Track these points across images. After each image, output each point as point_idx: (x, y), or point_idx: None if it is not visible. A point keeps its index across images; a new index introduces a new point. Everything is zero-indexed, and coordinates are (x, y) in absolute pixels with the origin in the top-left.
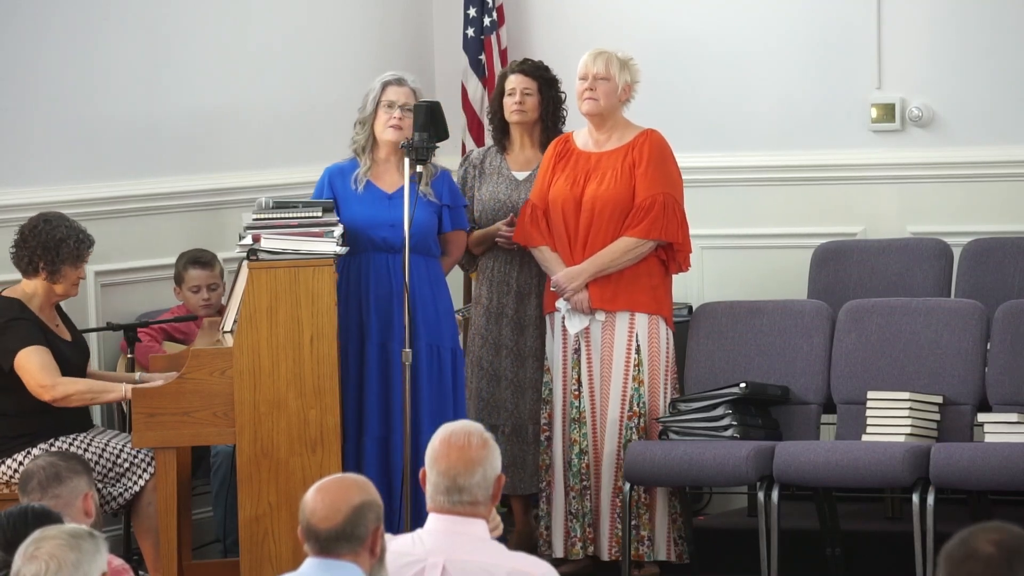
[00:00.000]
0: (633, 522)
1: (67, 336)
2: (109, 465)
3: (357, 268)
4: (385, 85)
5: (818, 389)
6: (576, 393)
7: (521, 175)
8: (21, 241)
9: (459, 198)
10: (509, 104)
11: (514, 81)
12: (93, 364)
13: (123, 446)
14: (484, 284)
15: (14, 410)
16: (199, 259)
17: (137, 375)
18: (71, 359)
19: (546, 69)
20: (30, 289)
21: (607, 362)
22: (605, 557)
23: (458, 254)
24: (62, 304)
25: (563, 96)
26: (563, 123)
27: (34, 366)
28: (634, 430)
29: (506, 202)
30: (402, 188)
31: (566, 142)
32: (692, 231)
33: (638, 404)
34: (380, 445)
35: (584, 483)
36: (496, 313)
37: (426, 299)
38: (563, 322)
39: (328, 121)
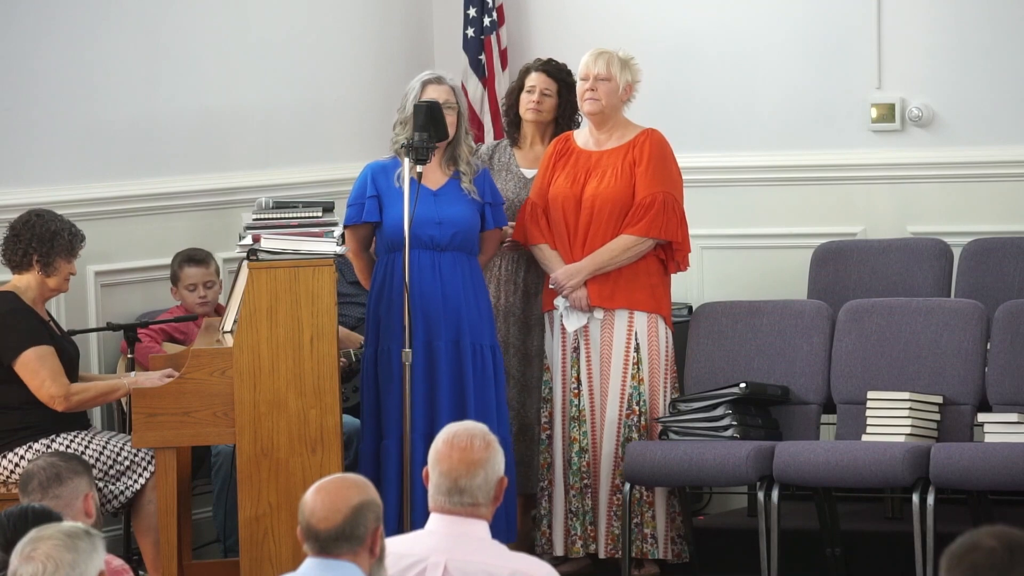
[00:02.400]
0: (636, 520)
1: (57, 333)
2: (109, 463)
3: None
4: (425, 84)
5: (818, 389)
6: (576, 391)
7: (530, 173)
8: (13, 236)
9: (499, 196)
10: (526, 101)
11: (535, 79)
12: (92, 366)
13: (123, 444)
14: (491, 283)
15: (16, 403)
16: (193, 257)
17: (133, 374)
18: (71, 354)
19: (568, 73)
20: (22, 284)
21: (606, 360)
22: (602, 555)
23: (492, 251)
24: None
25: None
26: (576, 127)
27: (47, 373)
28: (633, 429)
29: (515, 200)
30: (446, 185)
31: (566, 141)
32: (692, 231)
33: (637, 403)
34: (427, 442)
35: (585, 481)
36: (503, 312)
37: (469, 298)
38: (561, 320)
39: (329, 121)
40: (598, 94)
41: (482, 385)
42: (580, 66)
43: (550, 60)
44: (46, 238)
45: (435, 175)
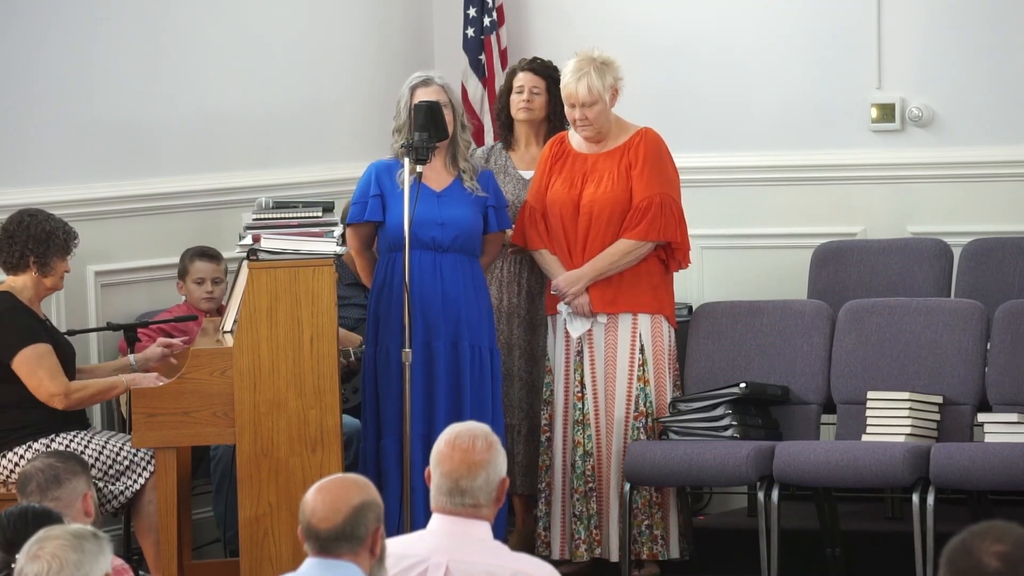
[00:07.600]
0: (647, 522)
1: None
2: (109, 463)
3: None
4: (414, 89)
5: (818, 389)
6: (579, 395)
7: (527, 174)
8: (7, 237)
9: (502, 198)
10: (517, 101)
11: (523, 79)
12: (92, 364)
13: (122, 444)
14: (493, 284)
15: (14, 402)
16: (206, 252)
17: (132, 358)
18: (67, 354)
19: (555, 69)
20: (18, 285)
21: (611, 363)
22: (615, 558)
23: (494, 254)
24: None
25: None
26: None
27: (44, 371)
28: (641, 430)
29: (514, 202)
30: (451, 186)
31: (561, 143)
32: (692, 231)
33: (644, 404)
34: (423, 443)
35: (589, 485)
36: (507, 313)
37: (470, 299)
38: (565, 325)
39: (328, 121)
40: (588, 120)
41: (479, 387)
42: (563, 88)
43: (535, 58)
44: (41, 238)
45: (439, 176)
